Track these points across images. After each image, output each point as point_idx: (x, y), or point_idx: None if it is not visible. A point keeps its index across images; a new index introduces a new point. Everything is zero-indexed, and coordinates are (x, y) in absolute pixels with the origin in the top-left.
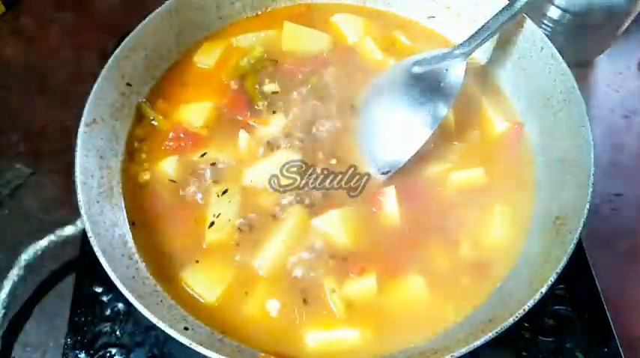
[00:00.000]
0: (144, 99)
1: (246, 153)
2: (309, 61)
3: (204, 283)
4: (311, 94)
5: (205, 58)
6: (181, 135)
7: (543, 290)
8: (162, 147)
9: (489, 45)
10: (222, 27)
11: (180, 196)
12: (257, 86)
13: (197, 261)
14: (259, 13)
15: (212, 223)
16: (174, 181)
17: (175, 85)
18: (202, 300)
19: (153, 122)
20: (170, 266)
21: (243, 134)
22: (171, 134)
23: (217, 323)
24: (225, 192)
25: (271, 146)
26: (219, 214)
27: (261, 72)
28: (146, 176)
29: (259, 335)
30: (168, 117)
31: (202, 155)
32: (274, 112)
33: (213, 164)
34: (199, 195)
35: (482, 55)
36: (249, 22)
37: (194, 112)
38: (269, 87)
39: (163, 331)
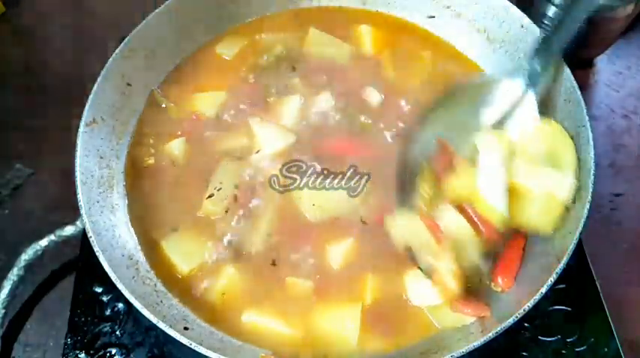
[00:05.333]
0: (157, 87)
1: (257, 142)
2: (328, 67)
3: (181, 254)
4: (321, 99)
5: (226, 49)
6: (193, 122)
7: (543, 290)
8: (172, 133)
9: (489, 45)
10: (223, 28)
11: (182, 177)
12: (273, 82)
13: (182, 233)
14: (260, 16)
15: (211, 195)
16: (180, 162)
17: (191, 74)
18: (177, 272)
19: (164, 108)
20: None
21: (255, 123)
22: (185, 123)
23: (186, 297)
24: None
25: (279, 140)
26: (219, 188)
27: (280, 70)
28: (150, 160)
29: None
30: (180, 104)
31: (211, 140)
32: (285, 109)
33: (221, 149)
34: (202, 175)
35: (484, 58)
36: (271, 20)
37: (207, 101)
38: (285, 85)
39: (163, 331)
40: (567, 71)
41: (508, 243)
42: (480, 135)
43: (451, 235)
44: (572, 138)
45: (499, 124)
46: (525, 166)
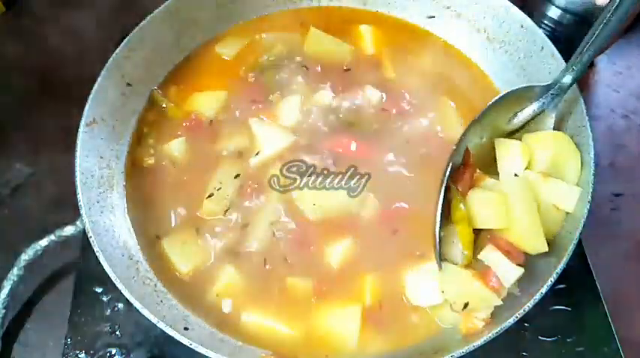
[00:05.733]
0: (157, 87)
1: (257, 142)
2: (328, 67)
3: (181, 253)
4: (321, 99)
5: (227, 49)
6: (193, 121)
7: (543, 290)
8: (172, 133)
9: (489, 45)
10: (223, 28)
11: (182, 177)
12: (273, 82)
13: (181, 233)
14: (260, 16)
15: (211, 194)
16: (180, 162)
17: (191, 73)
18: (176, 272)
19: (164, 108)
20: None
21: (255, 123)
22: (185, 123)
23: (186, 297)
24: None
25: (279, 140)
26: (219, 188)
27: (280, 69)
28: (150, 160)
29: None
30: (180, 104)
31: (211, 140)
32: (286, 108)
33: (221, 149)
34: (202, 175)
35: (484, 58)
36: (271, 20)
37: (207, 101)
38: (284, 84)
39: (163, 331)
40: None
41: None
42: (500, 143)
43: (507, 282)
44: (576, 144)
45: (514, 132)
46: (535, 177)
